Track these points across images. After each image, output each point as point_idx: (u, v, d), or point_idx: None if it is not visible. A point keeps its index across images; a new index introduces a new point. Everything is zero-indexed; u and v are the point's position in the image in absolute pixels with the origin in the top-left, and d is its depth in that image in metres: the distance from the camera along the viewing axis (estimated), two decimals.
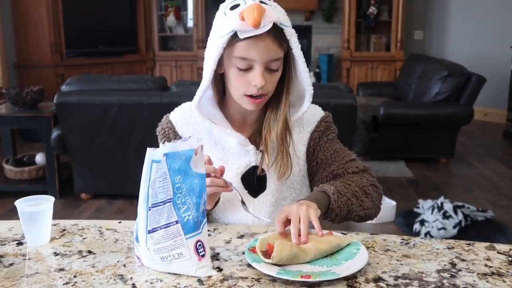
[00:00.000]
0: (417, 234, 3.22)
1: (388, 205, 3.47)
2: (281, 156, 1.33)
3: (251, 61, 1.23)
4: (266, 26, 1.19)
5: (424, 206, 3.49)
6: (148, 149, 1.05)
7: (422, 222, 3.29)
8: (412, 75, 5.29)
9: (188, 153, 1.04)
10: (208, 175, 1.16)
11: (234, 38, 1.22)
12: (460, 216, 3.26)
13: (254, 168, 1.35)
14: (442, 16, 6.98)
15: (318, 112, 1.42)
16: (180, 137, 1.37)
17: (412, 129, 4.67)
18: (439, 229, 3.19)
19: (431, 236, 3.15)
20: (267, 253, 1.08)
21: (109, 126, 3.57)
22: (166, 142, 1.36)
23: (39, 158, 4.04)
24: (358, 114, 3.67)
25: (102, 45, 6.56)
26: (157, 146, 1.08)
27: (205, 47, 1.32)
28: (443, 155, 4.81)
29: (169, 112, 1.44)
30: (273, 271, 1.03)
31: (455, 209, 3.31)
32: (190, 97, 1.36)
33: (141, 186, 1.05)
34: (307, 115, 1.38)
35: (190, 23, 7.17)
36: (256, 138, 1.36)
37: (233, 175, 1.35)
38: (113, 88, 3.66)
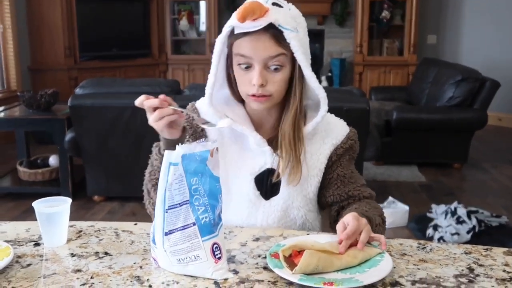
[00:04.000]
0: (430, 239, 3.19)
1: (401, 210, 3.45)
2: (291, 161, 1.32)
3: (249, 59, 1.24)
4: (260, 24, 1.20)
5: (437, 211, 3.46)
6: (166, 151, 1.05)
7: (435, 227, 3.27)
8: (425, 80, 5.26)
9: (203, 154, 1.05)
10: (155, 109, 1.20)
11: (235, 35, 1.25)
12: (474, 221, 3.24)
13: (269, 171, 1.35)
14: (456, 20, 6.94)
15: (344, 127, 1.41)
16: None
17: (426, 133, 4.65)
18: (452, 234, 3.16)
19: (444, 241, 3.13)
20: (290, 259, 1.07)
21: (122, 129, 3.58)
22: (187, 128, 1.36)
23: (53, 160, 4.08)
24: (371, 118, 3.66)
25: (115, 49, 6.60)
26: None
27: None
28: (456, 160, 4.77)
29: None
30: (295, 277, 1.02)
31: (468, 214, 3.29)
32: None
33: (158, 188, 1.06)
34: (330, 127, 1.39)
35: (202, 27, 7.20)
36: (275, 142, 1.36)
37: (247, 174, 1.35)
38: (127, 91, 3.68)
